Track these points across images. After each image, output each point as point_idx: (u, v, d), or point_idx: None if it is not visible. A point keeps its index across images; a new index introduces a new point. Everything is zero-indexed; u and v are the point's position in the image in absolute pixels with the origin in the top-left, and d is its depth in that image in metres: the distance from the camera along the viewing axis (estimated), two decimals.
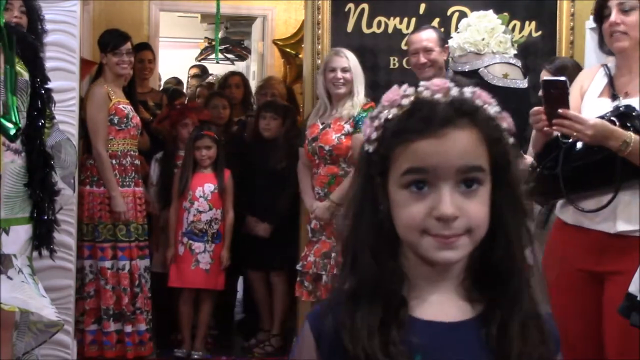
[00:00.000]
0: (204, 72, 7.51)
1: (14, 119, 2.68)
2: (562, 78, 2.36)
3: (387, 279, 1.03)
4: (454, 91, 1.02)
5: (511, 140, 1.05)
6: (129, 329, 4.04)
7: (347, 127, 3.61)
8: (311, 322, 1.08)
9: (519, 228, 1.05)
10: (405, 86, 1.04)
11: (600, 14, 2.46)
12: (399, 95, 1.03)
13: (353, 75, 3.69)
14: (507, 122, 1.05)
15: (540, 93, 2.40)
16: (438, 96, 1.01)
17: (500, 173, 1.04)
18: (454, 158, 0.99)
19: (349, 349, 1.00)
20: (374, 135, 1.04)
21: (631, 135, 2.25)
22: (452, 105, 1.01)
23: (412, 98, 1.02)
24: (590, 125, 2.24)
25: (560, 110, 2.27)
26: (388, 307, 1.02)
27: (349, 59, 3.70)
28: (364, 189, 1.07)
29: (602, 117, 2.32)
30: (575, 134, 2.27)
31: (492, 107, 1.04)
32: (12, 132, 2.67)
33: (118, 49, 4.11)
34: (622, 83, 2.44)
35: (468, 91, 1.03)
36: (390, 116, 1.03)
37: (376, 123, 1.04)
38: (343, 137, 3.60)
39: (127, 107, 4.14)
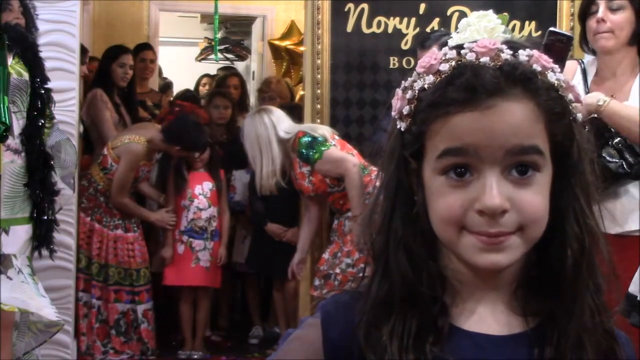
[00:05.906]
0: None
1: (2, 119, 2.64)
2: (569, 34, 2.35)
3: (425, 284, 0.85)
4: (506, 54, 0.82)
5: (578, 115, 0.85)
6: None
7: (305, 170, 3.49)
8: (323, 315, 0.89)
9: (581, 226, 0.85)
10: (446, 48, 0.85)
11: (586, 11, 2.47)
12: (437, 59, 0.84)
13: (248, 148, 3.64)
14: (572, 92, 0.85)
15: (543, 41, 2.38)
16: (485, 60, 0.82)
17: (563, 157, 0.84)
18: (502, 136, 0.80)
19: None
20: (406, 110, 0.85)
21: (606, 97, 2.32)
22: (501, 71, 0.81)
23: (453, 63, 0.83)
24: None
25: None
26: (425, 315, 0.84)
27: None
28: (397, 177, 0.88)
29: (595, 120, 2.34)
30: None
31: (554, 74, 0.83)
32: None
33: None
34: (606, 86, 2.45)
35: (523, 54, 0.83)
36: (426, 85, 0.83)
37: (409, 95, 0.85)
38: (312, 178, 3.49)
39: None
